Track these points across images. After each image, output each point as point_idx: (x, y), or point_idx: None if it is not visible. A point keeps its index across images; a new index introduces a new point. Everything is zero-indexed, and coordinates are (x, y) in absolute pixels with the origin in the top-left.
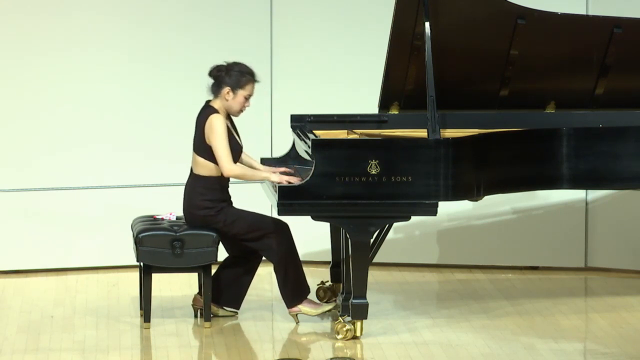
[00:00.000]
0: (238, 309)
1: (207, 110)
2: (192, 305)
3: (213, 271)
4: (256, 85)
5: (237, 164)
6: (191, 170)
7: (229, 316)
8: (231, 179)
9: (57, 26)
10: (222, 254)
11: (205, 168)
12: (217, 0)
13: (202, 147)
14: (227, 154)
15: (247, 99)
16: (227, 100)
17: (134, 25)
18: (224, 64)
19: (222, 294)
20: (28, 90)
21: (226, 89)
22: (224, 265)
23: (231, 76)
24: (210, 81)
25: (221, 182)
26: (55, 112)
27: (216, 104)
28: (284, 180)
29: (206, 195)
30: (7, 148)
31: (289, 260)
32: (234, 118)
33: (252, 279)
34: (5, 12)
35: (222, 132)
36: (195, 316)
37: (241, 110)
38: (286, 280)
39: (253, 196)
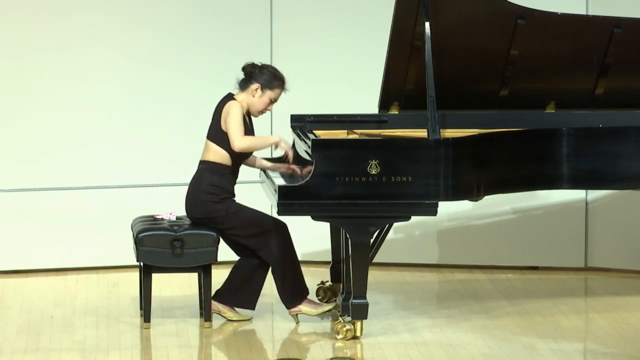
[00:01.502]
0: (253, 308)
1: (228, 99)
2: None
3: (213, 271)
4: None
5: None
6: (200, 161)
7: (241, 321)
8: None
9: (57, 26)
10: (222, 254)
11: (217, 154)
12: (217, 0)
13: (217, 134)
14: (240, 130)
15: (272, 102)
16: (253, 96)
17: (134, 25)
18: (259, 63)
19: (236, 294)
20: (28, 90)
21: (256, 85)
22: (236, 265)
23: (264, 74)
24: (241, 76)
25: (231, 172)
26: (55, 112)
27: (240, 97)
28: (289, 151)
29: (214, 180)
30: (7, 148)
31: (287, 261)
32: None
33: (265, 277)
34: (5, 12)
35: (239, 115)
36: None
37: (262, 112)
38: (284, 281)
39: (253, 196)
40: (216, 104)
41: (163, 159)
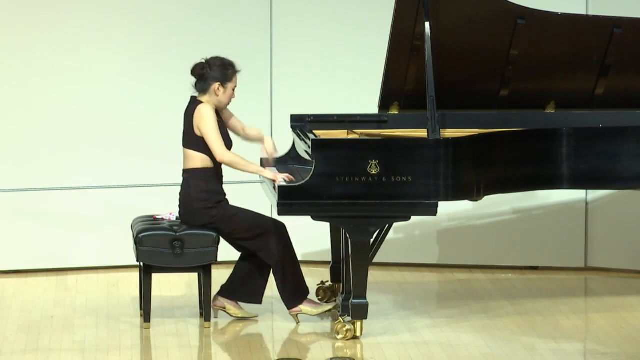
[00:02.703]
0: (260, 302)
1: (195, 104)
2: (212, 305)
3: (213, 271)
4: (256, 85)
5: (231, 151)
6: (183, 170)
7: (248, 318)
8: (224, 178)
9: (57, 26)
10: (222, 254)
11: (198, 160)
12: (217, 0)
13: (192, 140)
14: (220, 140)
15: (233, 90)
16: (217, 95)
17: (133, 25)
18: (203, 60)
19: (240, 288)
20: (28, 90)
21: (216, 85)
22: (240, 260)
23: (216, 70)
24: (193, 80)
25: (216, 173)
26: (55, 112)
27: (205, 99)
28: (278, 178)
29: (202, 186)
30: (7, 148)
31: (287, 261)
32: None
33: (270, 271)
34: (5, 12)
35: (212, 119)
36: (215, 317)
37: (229, 103)
38: (285, 282)
39: (253, 196)
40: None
41: (163, 159)
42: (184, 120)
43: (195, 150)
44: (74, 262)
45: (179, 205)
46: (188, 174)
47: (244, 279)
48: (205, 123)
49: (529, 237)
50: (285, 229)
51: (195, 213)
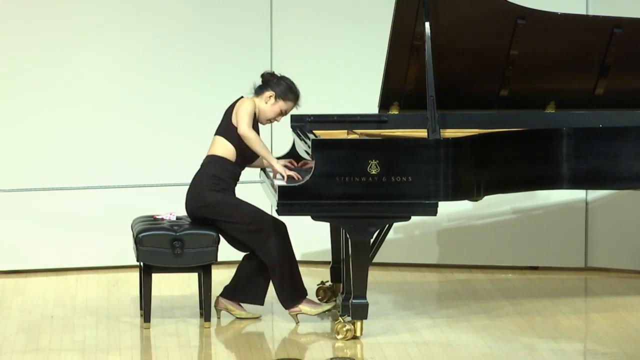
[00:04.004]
0: (261, 303)
1: (241, 99)
2: (215, 306)
3: (213, 271)
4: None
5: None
6: (206, 156)
7: (250, 319)
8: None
9: (57, 26)
10: (222, 254)
11: (224, 149)
12: (217, 0)
13: (226, 129)
14: (249, 119)
15: (282, 113)
16: (266, 103)
17: (134, 25)
18: (279, 74)
19: (243, 289)
20: (28, 90)
21: (270, 92)
22: (243, 261)
23: (280, 85)
24: (258, 83)
25: (234, 169)
26: (55, 112)
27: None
28: (287, 174)
29: (216, 171)
30: (7, 148)
31: (284, 262)
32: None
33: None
34: (5, 12)
35: (251, 108)
36: (218, 317)
37: (270, 121)
38: (282, 282)
39: (253, 196)
40: (219, 103)
41: (163, 159)
42: (224, 112)
43: (224, 137)
44: (74, 262)
45: (188, 188)
46: (209, 159)
47: (247, 279)
48: (244, 107)
49: (529, 237)
50: (285, 228)
51: (200, 193)
